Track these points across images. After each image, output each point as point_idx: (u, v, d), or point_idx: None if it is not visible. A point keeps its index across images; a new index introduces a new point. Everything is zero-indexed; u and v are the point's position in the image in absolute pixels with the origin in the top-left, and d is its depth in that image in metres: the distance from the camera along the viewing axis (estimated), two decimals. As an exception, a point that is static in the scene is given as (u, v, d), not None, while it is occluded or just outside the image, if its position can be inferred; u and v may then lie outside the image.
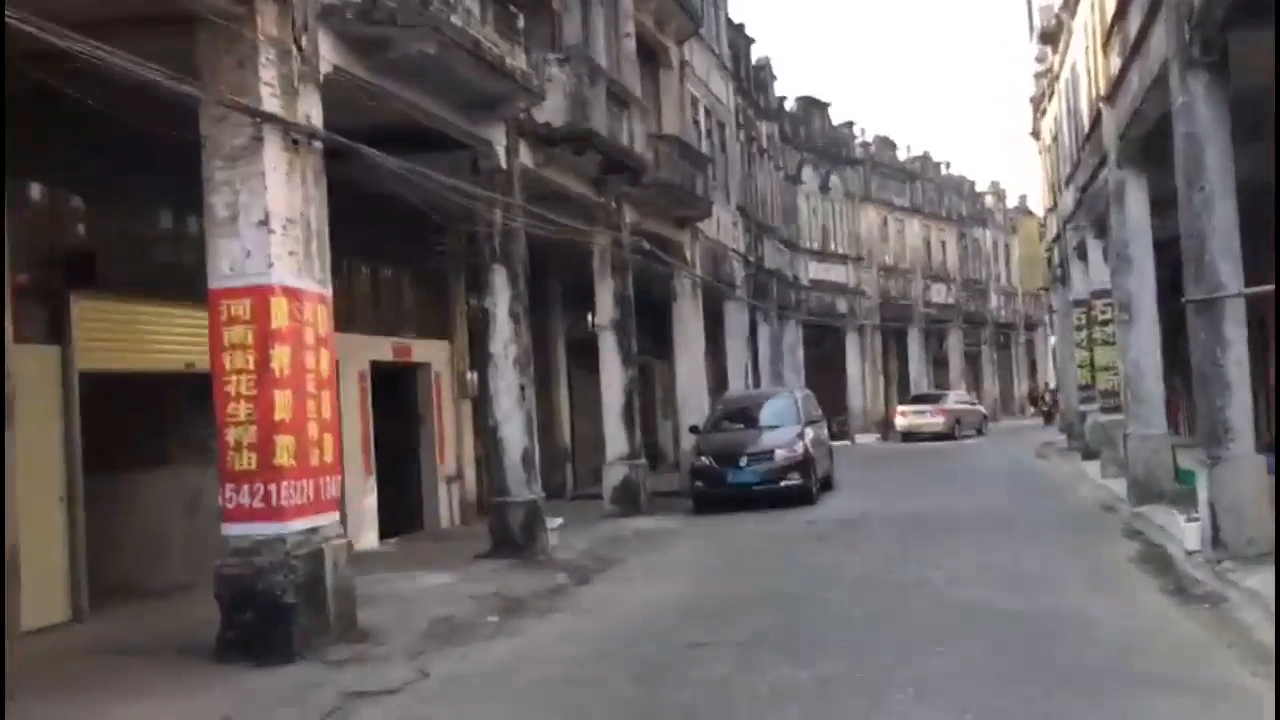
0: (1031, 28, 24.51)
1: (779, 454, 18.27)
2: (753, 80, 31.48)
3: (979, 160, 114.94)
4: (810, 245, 36.97)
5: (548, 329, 21.65)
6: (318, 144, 9.01)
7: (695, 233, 22.28)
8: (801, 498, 18.08)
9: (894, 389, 46.27)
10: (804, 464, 18.41)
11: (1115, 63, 15.05)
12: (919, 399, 40.81)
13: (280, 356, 8.25)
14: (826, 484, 20.23)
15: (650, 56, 21.33)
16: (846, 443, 38.58)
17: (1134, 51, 13.25)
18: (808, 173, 36.89)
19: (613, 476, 17.75)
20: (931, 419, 38.98)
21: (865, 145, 41.31)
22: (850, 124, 40.15)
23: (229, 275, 8.29)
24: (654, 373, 27.11)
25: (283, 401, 8.24)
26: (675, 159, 19.34)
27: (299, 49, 8.84)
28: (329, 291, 9.05)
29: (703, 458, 18.44)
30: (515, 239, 13.19)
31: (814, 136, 37.71)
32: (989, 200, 53.33)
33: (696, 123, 24.00)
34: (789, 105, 36.23)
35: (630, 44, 17.33)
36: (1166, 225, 15.74)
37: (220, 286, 8.30)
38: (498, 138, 12.92)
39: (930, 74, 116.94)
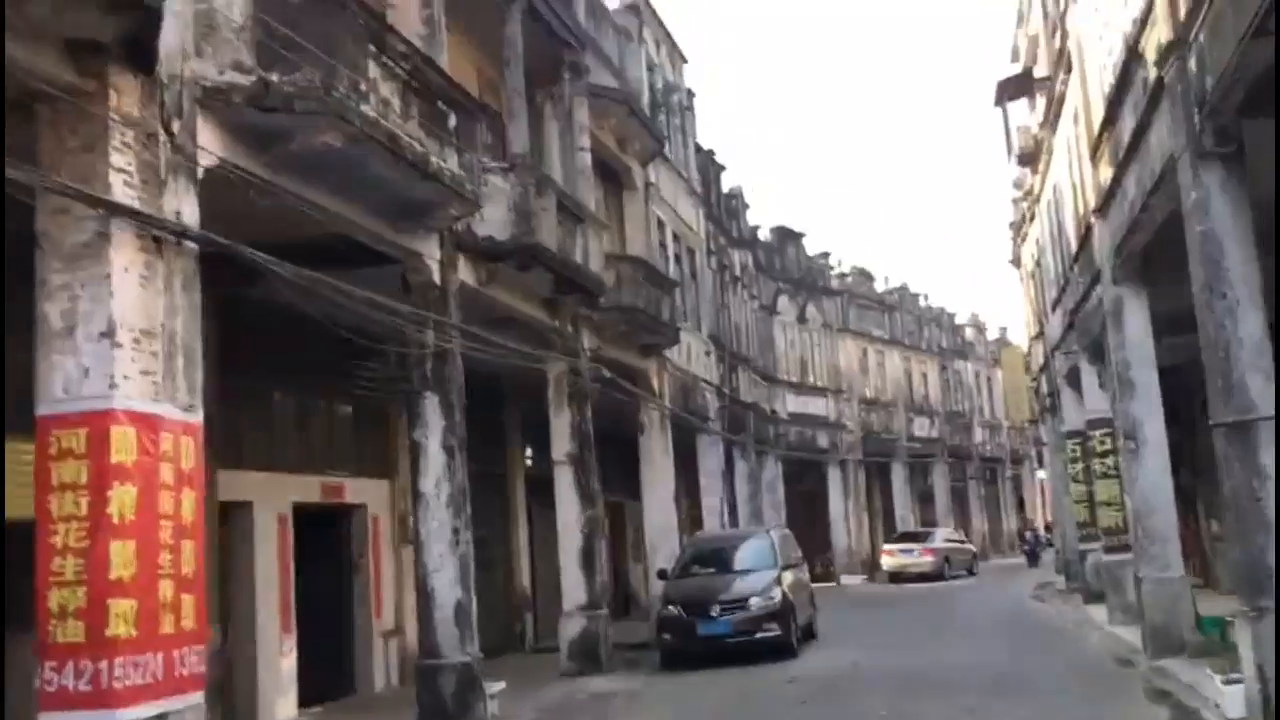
0: (1010, 149, 23.72)
1: (754, 602, 16.54)
2: (724, 207, 30.66)
3: (958, 292, 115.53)
4: (788, 377, 35.72)
5: (507, 463, 20.09)
6: (190, 245, 7.61)
7: (663, 361, 20.94)
8: (781, 650, 16.31)
9: (879, 526, 44.51)
10: (782, 613, 16.68)
11: (1107, 173, 13.95)
12: (906, 537, 39.09)
13: (121, 498, 6.67)
14: (809, 633, 18.45)
15: (612, 176, 20.32)
16: (831, 584, 36.75)
17: (1129, 155, 12.12)
18: (784, 303, 35.89)
19: (570, 629, 15.96)
20: (920, 558, 37.23)
21: (842, 276, 40.49)
22: (826, 254, 39.40)
23: (61, 399, 6.77)
24: (624, 512, 25.43)
25: (122, 556, 6.63)
26: (639, 281, 18.11)
27: (169, 135, 7.52)
28: (198, 420, 7.51)
29: (670, 606, 16.70)
30: (449, 363, 11.75)
31: (789, 267, 36.84)
32: (969, 332, 52.52)
33: (664, 246, 22.91)
34: (763, 235, 35.45)
35: (586, 158, 16.21)
36: (1164, 347, 14.58)
37: (50, 413, 6.77)
38: (430, 250, 11.60)
39: (906, 205, 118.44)
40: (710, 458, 25.48)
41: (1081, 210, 16.73)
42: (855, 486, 39.03)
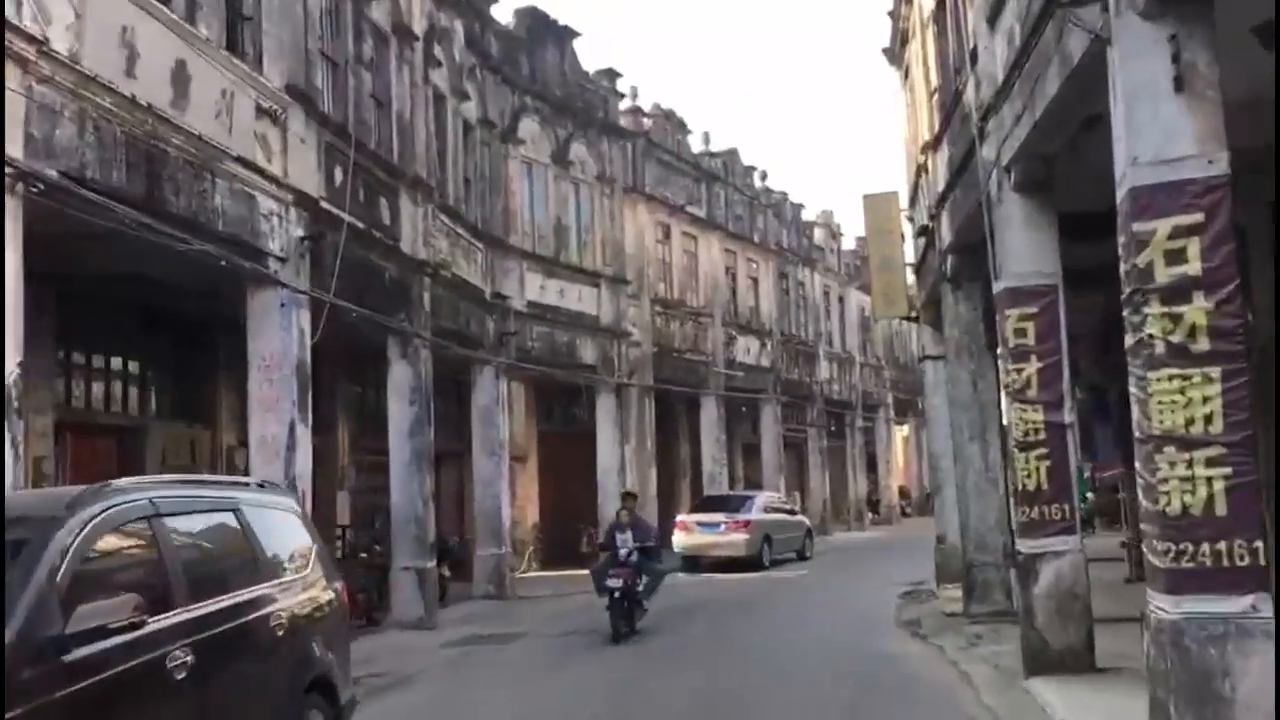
0: None
1: None
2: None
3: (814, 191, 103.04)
4: (531, 247, 22.39)
5: None
6: None
7: None
8: None
9: (681, 487, 31.79)
10: None
11: None
12: (710, 504, 26.43)
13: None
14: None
15: None
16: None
17: None
18: (530, 129, 22.44)
19: None
20: (728, 535, 24.66)
21: (637, 113, 27.17)
22: (612, 74, 25.86)
23: None
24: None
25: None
26: None
27: None
28: None
29: None
30: None
31: (547, 78, 23.34)
32: (819, 235, 40.03)
33: None
34: (503, 15, 21.86)
35: None
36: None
37: None
38: None
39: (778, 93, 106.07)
40: (270, 332, 12.06)
41: None
42: (640, 427, 26.02)
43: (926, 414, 19.67)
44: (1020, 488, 10.32)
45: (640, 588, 14.67)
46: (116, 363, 14.44)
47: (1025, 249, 10.39)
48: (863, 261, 39.49)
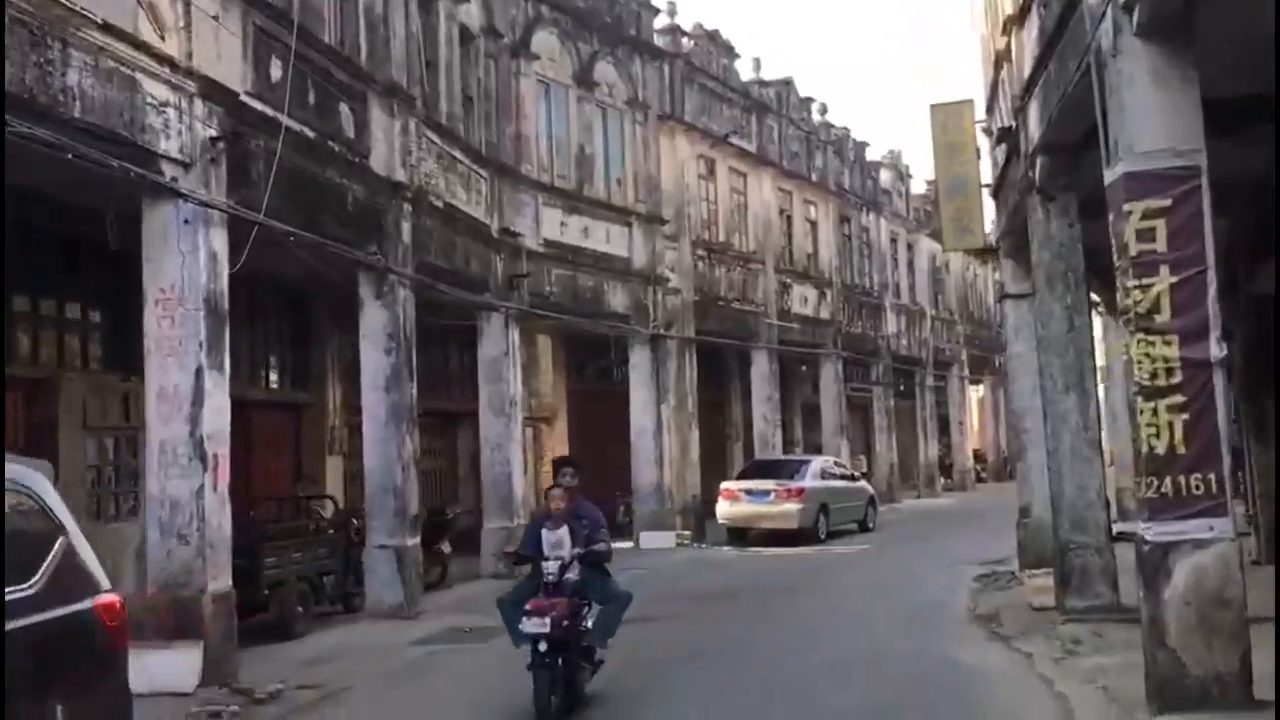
0: None
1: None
2: None
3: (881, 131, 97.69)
4: (549, 179, 19.65)
5: None
6: None
7: None
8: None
9: (732, 452, 29.02)
10: None
11: None
12: (760, 470, 23.67)
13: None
14: None
15: None
16: (628, 546, 21.55)
17: None
18: (545, 42, 19.63)
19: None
20: (779, 505, 21.93)
21: (676, 32, 24.13)
22: (647, -10, 22.83)
23: None
24: None
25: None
26: None
27: None
28: None
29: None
30: None
31: (568, -13, 20.47)
32: (885, 177, 36.69)
33: None
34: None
35: None
36: None
37: None
38: None
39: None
40: (168, 257, 9.48)
41: None
42: (680, 384, 23.26)
43: (1007, 364, 16.63)
44: (1146, 450, 7.40)
45: (588, 626, 8.50)
46: (22, 303, 12.02)
47: (1153, 117, 7.42)
48: (933, 206, 36.14)
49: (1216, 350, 7.28)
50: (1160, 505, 7.32)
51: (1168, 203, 7.34)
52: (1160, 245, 7.36)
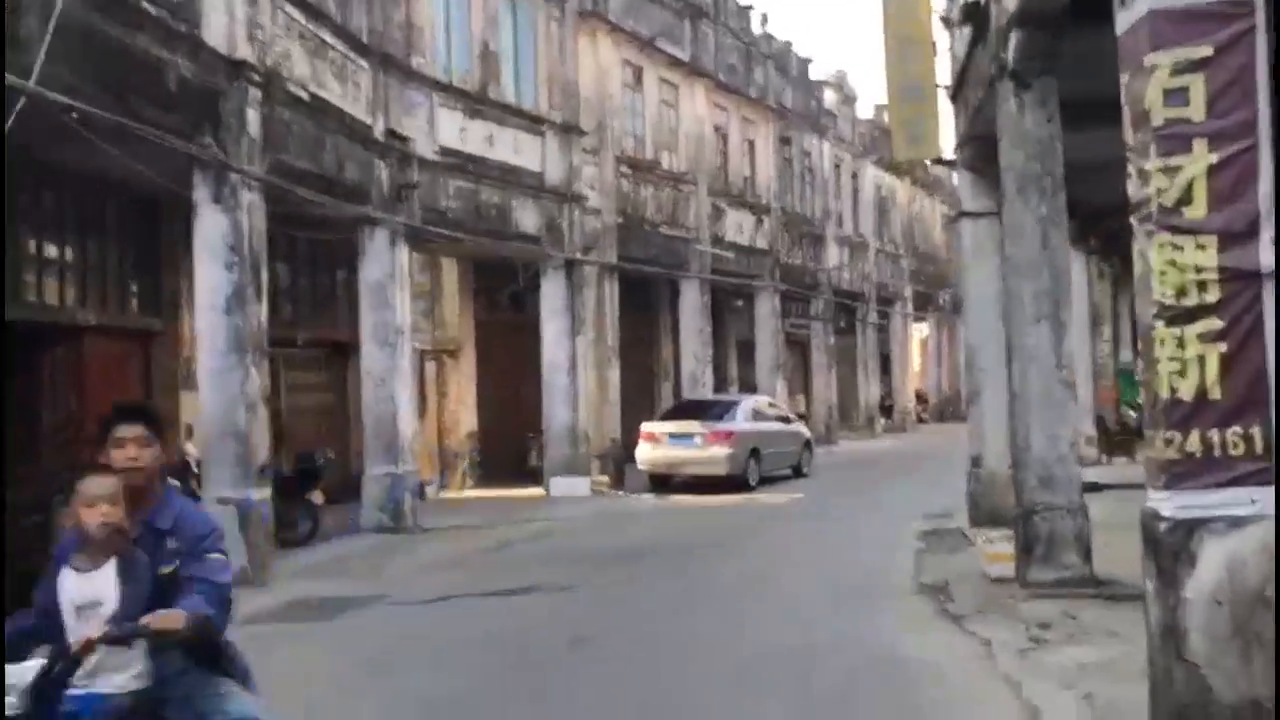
0: None
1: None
2: None
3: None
4: (443, 76, 17.18)
5: None
6: None
7: None
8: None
9: (657, 389, 27.00)
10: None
11: None
12: (685, 411, 21.67)
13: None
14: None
15: None
16: (537, 493, 19.59)
17: None
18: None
19: None
20: (706, 449, 19.96)
21: (597, -79, 21.60)
22: None
23: None
24: None
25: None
26: None
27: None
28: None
29: None
30: None
31: None
32: (829, 98, 34.45)
33: None
34: None
35: None
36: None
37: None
38: None
39: None
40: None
41: None
42: (599, 315, 21.07)
43: (963, 291, 14.65)
44: (1166, 393, 5.37)
45: None
46: None
47: (1192, -70, 5.30)
48: (880, 132, 34.04)
49: (1269, 258, 5.24)
50: (1183, 469, 5.33)
51: (1209, 51, 5.25)
52: (1196, 112, 5.29)
